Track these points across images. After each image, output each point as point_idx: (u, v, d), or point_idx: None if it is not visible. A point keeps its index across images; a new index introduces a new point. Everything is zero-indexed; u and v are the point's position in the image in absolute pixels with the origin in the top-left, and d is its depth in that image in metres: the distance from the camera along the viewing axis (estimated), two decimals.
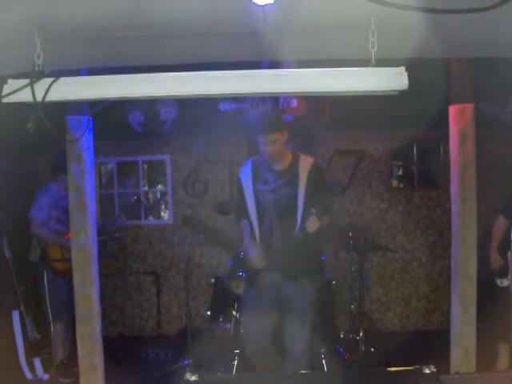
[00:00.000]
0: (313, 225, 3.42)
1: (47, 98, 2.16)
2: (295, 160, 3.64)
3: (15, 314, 4.38)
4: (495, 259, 4.03)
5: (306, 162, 3.64)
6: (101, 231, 4.27)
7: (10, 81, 2.18)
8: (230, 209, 5.69)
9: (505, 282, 3.93)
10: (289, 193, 3.55)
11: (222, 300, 4.60)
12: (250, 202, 3.65)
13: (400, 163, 6.47)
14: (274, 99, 5.21)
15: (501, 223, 4.01)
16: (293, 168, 3.61)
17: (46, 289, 4.21)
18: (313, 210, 3.41)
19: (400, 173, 6.50)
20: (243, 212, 3.71)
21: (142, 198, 6.36)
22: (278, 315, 3.63)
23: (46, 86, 2.16)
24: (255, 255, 3.58)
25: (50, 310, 4.16)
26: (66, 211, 4.40)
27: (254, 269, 3.60)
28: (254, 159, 3.77)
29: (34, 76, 2.16)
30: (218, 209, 5.75)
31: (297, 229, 3.50)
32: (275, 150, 3.53)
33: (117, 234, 5.51)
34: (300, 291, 3.56)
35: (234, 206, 4.10)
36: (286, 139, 3.57)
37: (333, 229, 4.44)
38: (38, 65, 2.19)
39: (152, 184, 6.70)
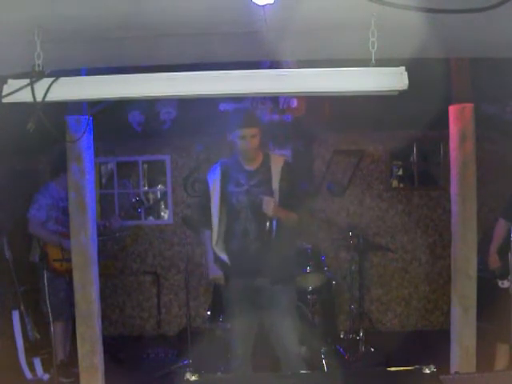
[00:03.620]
0: (268, 205, 3.37)
1: (47, 98, 2.16)
2: (266, 159, 3.60)
3: (15, 314, 4.39)
4: (493, 260, 4.04)
5: (277, 161, 3.61)
6: (100, 231, 4.27)
7: (9, 81, 2.18)
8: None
9: (505, 284, 3.93)
10: (263, 192, 3.48)
11: (222, 300, 4.60)
12: (215, 207, 3.56)
13: (400, 163, 6.47)
14: (273, 99, 5.21)
15: (501, 226, 4.02)
16: (265, 167, 3.57)
17: (46, 289, 4.21)
18: (264, 196, 3.42)
19: (400, 173, 6.50)
20: (206, 218, 3.62)
21: (143, 198, 6.36)
22: (260, 317, 3.60)
23: (46, 86, 2.16)
24: (214, 275, 3.71)
25: (50, 309, 4.16)
26: (65, 212, 4.42)
27: (229, 272, 3.60)
28: (223, 162, 3.69)
29: (34, 76, 2.16)
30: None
31: (273, 226, 3.45)
32: (254, 145, 3.48)
33: (117, 234, 5.51)
34: (279, 291, 3.53)
35: (197, 214, 3.96)
36: (261, 136, 3.55)
37: (300, 229, 4.40)
38: (38, 65, 2.19)
39: (152, 184, 6.70)
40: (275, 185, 3.49)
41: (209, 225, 3.62)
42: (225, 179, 3.58)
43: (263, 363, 4.00)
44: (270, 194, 3.45)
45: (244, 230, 3.51)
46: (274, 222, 3.46)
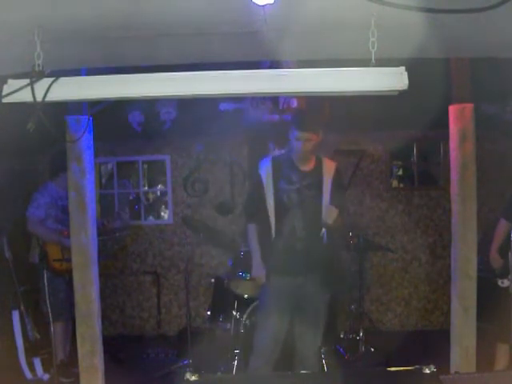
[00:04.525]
0: (331, 213, 3.42)
1: (47, 98, 2.16)
2: (319, 163, 3.62)
3: (15, 314, 4.39)
4: (494, 258, 4.05)
5: (329, 166, 3.63)
6: (100, 230, 4.26)
7: (9, 81, 2.18)
8: (230, 209, 5.67)
9: (505, 283, 3.94)
10: (313, 195, 3.52)
11: (222, 300, 4.60)
12: (270, 202, 3.54)
13: (400, 163, 6.47)
14: (273, 99, 5.21)
15: (502, 226, 4.03)
16: (317, 171, 3.59)
17: (46, 289, 4.21)
18: (329, 204, 3.44)
19: (400, 173, 6.50)
20: (258, 212, 3.59)
21: (142, 198, 6.37)
22: (293, 317, 3.58)
23: (46, 86, 2.16)
24: (258, 275, 3.62)
25: (49, 309, 4.16)
26: (63, 210, 4.42)
27: (272, 269, 3.56)
28: (275, 157, 3.69)
29: (34, 76, 2.16)
30: (217, 209, 5.72)
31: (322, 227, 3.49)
32: (307, 149, 3.48)
33: (117, 234, 5.51)
34: (319, 294, 3.54)
35: (248, 205, 3.90)
36: (319, 141, 3.53)
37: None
38: (38, 65, 2.19)
39: (152, 184, 6.70)
40: (326, 190, 3.53)
41: (257, 219, 3.62)
42: (277, 175, 3.56)
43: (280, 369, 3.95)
44: (320, 197, 3.51)
45: (291, 228, 3.51)
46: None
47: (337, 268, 3.72)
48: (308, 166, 3.59)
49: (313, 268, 3.50)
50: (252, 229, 3.68)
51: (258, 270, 3.63)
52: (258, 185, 3.61)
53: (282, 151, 3.66)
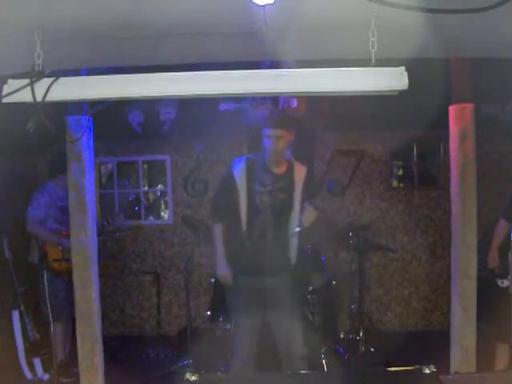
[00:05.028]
0: (310, 216, 3.43)
1: (47, 98, 2.16)
2: (291, 167, 3.64)
3: (15, 314, 4.39)
4: (492, 258, 4.05)
5: (300, 170, 3.65)
6: (99, 230, 4.26)
7: (9, 81, 2.18)
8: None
9: (505, 283, 3.94)
10: (284, 198, 3.54)
11: (222, 300, 4.60)
12: (242, 203, 3.52)
13: (400, 163, 6.46)
14: (273, 99, 5.21)
15: (502, 226, 4.03)
16: (289, 174, 3.61)
17: (46, 289, 4.21)
18: (305, 204, 3.45)
19: (400, 173, 6.49)
20: (228, 213, 3.59)
21: (142, 198, 6.36)
22: (267, 316, 3.61)
23: (46, 86, 2.15)
24: (223, 274, 3.63)
25: (49, 310, 4.16)
26: (63, 211, 4.42)
27: (239, 270, 3.60)
28: (248, 158, 3.67)
29: (34, 76, 2.16)
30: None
31: (296, 226, 3.50)
32: (279, 148, 3.48)
33: (117, 234, 5.51)
34: (287, 295, 3.56)
35: (216, 205, 3.81)
36: (290, 142, 3.54)
37: (327, 225, 4.44)
38: (38, 65, 2.19)
39: (152, 184, 6.69)
40: (297, 193, 3.55)
41: (226, 219, 3.61)
42: (250, 176, 3.56)
43: (265, 364, 3.99)
44: (291, 200, 3.52)
45: (261, 230, 3.53)
46: (297, 228, 3.50)
47: (303, 269, 3.79)
48: (281, 169, 3.60)
49: (280, 269, 3.53)
50: (218, 229, 3.67)
51: (223, 269, 3.64)
52: (231, 185, 3.58)
53: (259, 154, 3.65)
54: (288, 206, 3.55)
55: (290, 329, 3.57)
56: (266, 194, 3.53)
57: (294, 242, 3.58)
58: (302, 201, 3.53)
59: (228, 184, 3.61)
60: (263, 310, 3.57)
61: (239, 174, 3.56)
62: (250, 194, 3.53)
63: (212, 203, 4.00)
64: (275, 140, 3.46)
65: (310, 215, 3.44)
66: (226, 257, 3.63)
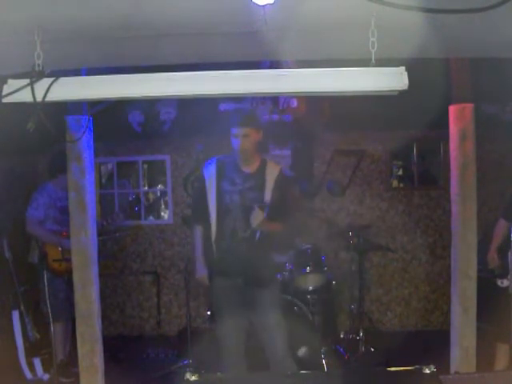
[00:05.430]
0: (256, 217, 3.43)
1: (47, 98, 2.16)
2: (263, 165, 3.63)
3: (15, 314, 4.39)
4: (492, 258, 4.05)
5: (273, 169, 3.64)
6: (99, 230, 4.27)
7: (9, 81, 2.18)
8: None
9: (505, 283, 3.94)
10: (255, 197, 3.53)
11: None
12: (211, 203, 3.56)
13: (400, 163, 6.46)
14: (273, 99, 5.21)
15: (501, 226, 4.03)
16: (260, 173, 3.60)
17: (46, 289, 4.21)
18: (256, 207, 3.46)
19: (400, 173, 6.49)
20: (202, 214, 3.62)
21: (142, 198, 6.36)
22: (247, 316, 3.62)
23: (46, 86, 2.15)
24: (201, 276, 3.71)
25: (49, 310, 4.16)
26: (62, 211, 4.42)
27: (215, 270, 3.62)
28: (220, 158, 3.70)
29: (34, 76, 2.16)
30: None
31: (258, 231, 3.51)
32: (246, 146, 3.50)
33: (117, 234, 5.51)
34: (261, 293, 3.56)
35: (193, 208, 3.92)
36: (259, 139, 3.55)
37: (288, 236, 4.49)
38: (38, 65, 2.19)
39: (152, 184, 6.69)
40: (268, 192, 3.54)
41: (201, 221, 3.64)
42: (220, 176, 3.59)
43: (257, 362, 3.98)
44: (261, 200, 3.50)
45: (233, 230, 3.53)
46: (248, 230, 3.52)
47: (269, 265, 3.75)
48: (251, 168, 3.60)
49: (250, 268, 3.51)
50: (198, 231, 3.73)
51: (200, 271, 3.70)
52: (201, 185, 3.66)
53: (230, 155, 3.68)
54: (258, 204, 3.53)
55: (268, 327, 3.57)
56: (236, 193, 3.54)
57: (262, 244, 3.55)
58: (273, 200, 3.51)
59: (199, 185, 3.74)
60: (244, 310, 3.57)
61: (208, 174, 3.63)
62: (220, 194, 3.55)
63: (191, 207, 4.11)
64: (242, 139, 3.49)
65: (257, 216, 3.44)
66: (203, 258, 3.68)
